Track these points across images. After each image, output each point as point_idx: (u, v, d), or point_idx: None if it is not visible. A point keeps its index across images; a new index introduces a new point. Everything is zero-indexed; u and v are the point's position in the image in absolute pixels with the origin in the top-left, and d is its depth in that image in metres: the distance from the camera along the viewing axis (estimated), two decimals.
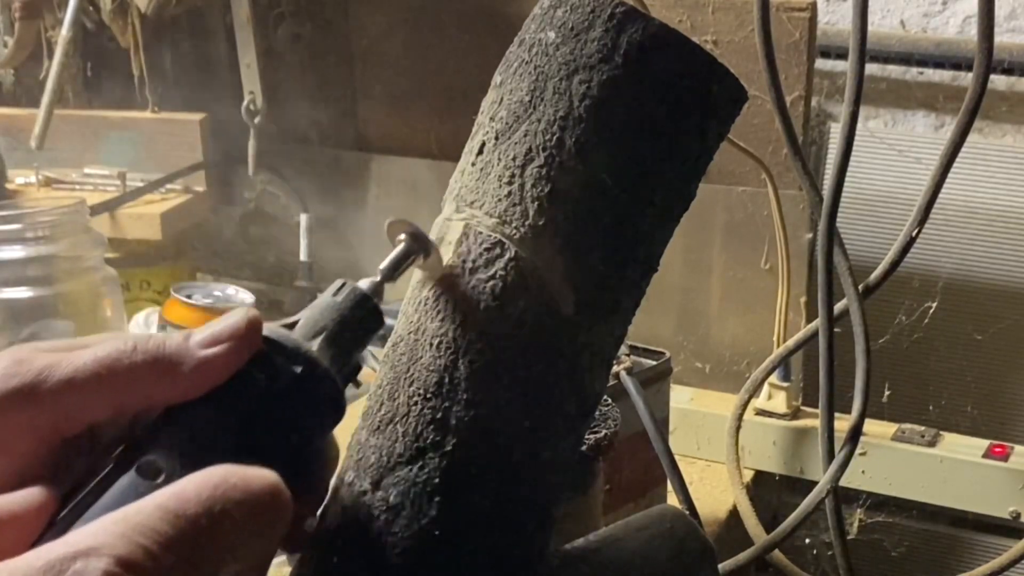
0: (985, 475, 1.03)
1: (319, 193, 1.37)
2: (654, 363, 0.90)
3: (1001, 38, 1.02)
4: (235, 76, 1.32)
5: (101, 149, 1.35)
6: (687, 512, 0.70)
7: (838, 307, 0.88)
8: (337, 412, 0.36)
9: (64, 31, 1.26)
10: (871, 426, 1.00)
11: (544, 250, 0.40)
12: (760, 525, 0.96)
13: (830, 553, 1.14)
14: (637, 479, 0.88)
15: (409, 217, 0.39)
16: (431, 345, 0.40)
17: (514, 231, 0.40)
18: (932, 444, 1.06)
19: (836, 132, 1.02)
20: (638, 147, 0.41)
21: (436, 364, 0.40)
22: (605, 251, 0.41)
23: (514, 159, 0.41)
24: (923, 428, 1.07)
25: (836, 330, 0.87)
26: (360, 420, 0.41)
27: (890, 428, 1.08)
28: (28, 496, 0.32)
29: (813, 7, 1.06)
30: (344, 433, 0.39)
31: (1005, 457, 1.03)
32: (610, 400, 0.70)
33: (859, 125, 0.82)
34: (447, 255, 0.41)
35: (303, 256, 1.32)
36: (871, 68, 1.17)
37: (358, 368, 0.38)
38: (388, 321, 0.39)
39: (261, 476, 0.31)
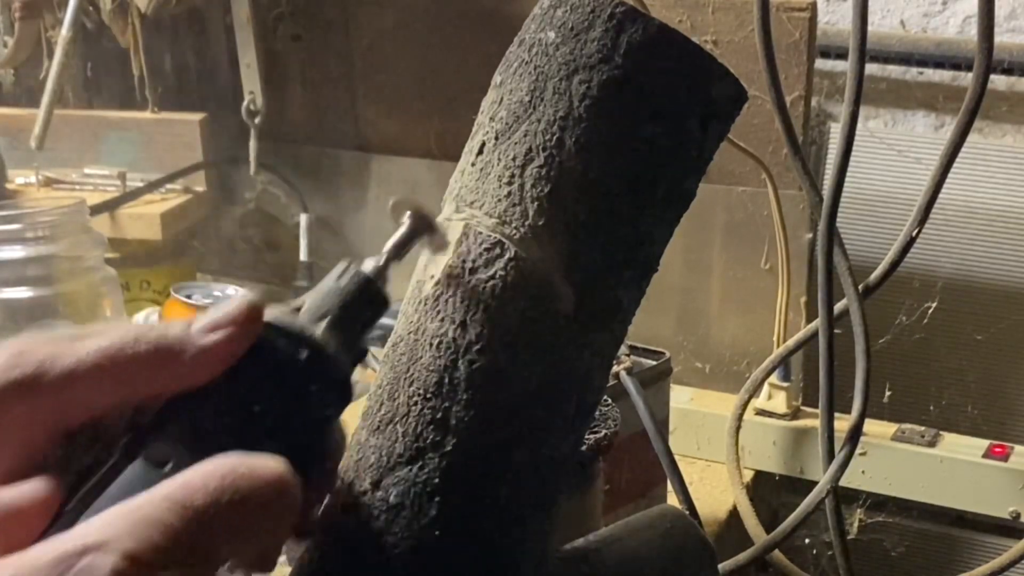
0: (985, 475, 1.03)
1: (319, 193, 1.37)
2: (654, 363, 0.90)
3: (1001, 38, 1.02)
4: (235, 76, 1.32)
5: (101, 149, 1.35)
6: (687, 512, 0.70)
7: (838, 307, 0.88)
8: (344, 396, 0.36)
9: (64, 31, 1.26)
10: (871, 426, 1.00)
11: (544, 250, 0.40)
12: (760, 525, 0.96)
13: (830, 553, 1.14)
14: (637, 479, 0.88)
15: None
16: (431, 345, 0.40)
17: (514, 231, 0.40)
18: (932, 444, 1.06)
19: (836, 132, 1.02)
20: (638, 147, 0.41)
21: (436, 364, 0.40)
22: (605, 251, 0.41)
23: (514, 159, 0.41)
24: (923, 428, 1.07)
25: (836, 330, 0.87)
26: (360, 420, 0.41)
27: (890, 428, 1.08)
28: (33, 488, 0.32)
29: (813, 7, 1.06)
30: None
31: (1005, 457, 1.03)
32: (610, 400, 0.70)
33: (859, 125, 0.82)
34: (447, 255, 0.41)
35: (303, 256, 1.32)
36: (871, 68, 1.17)
37: (364, 352, 0.37)
38: (387, 321, 0.39)
39: (269, 465, 0.31)
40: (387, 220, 0.39)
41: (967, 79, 0.81)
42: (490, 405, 0.39)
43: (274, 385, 0.34)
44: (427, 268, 0.41)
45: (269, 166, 1.36)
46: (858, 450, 0.95)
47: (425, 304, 0.41)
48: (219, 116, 1.39)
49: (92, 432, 0.34)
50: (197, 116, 1.34)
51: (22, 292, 1.00)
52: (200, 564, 0.30)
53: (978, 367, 1.21)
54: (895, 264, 0.88)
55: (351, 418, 0.39)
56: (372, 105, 1.34)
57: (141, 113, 1.34)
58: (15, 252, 0.99)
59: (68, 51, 1.27)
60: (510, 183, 0.41)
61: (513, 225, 0.40)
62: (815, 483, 0.88)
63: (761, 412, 1.09)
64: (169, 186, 1.30)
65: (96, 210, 1.18)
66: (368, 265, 0.37)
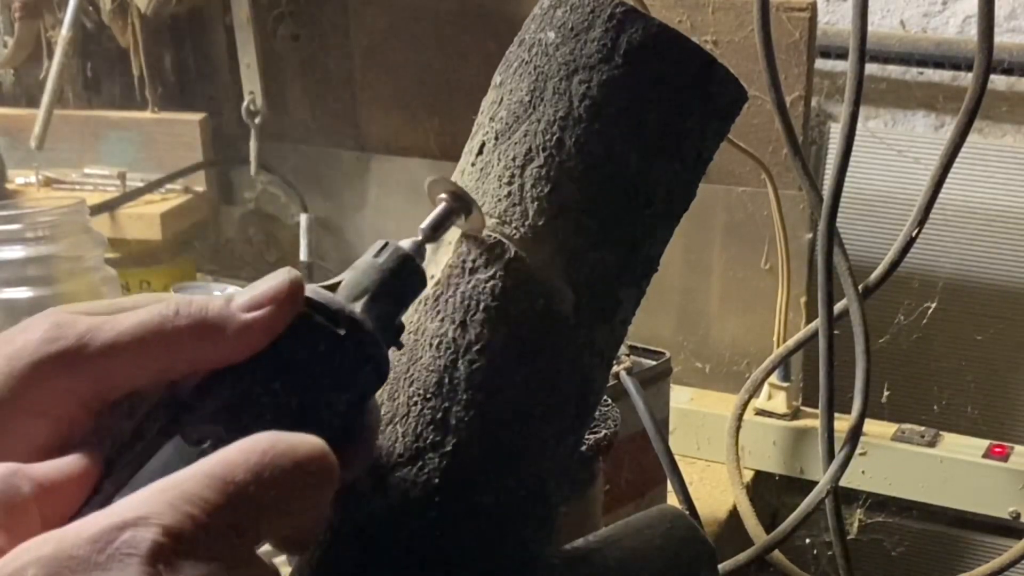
0: (985, 475, 1.03)
1: (319, 193, 1.37)
2: (654, 363, 0.90)
3: (1001, 38, 1.02)
4: (235, 76, 1.32)
5: (101, 149, 1.35)
6: (687, 512, 0.70)
7: (838, 307, 0.88)
8: (381, 373, 0.36)
9: (64, 31, 1.26)
10: (871, 426, 1.00)
11: (544, 250, 0.40)
12: (760, 525, 0.96)
13: (830, 553, 1.14)
14: (637, 479, 0.88)
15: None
16: (431, 345, 0.40)
17: (514, 231, 0.40)
18: (932, 444, 1.06)
19: (836, 132, 1.02)
20: (638, 147, 0.41)
21: (436, 364, 0.40)
22: (605, 251, 0.41)
23: (514, 159, 0.41)
24: (923, 428, 1.07)
25: (836, 330, 0.87)
26: None
27: (890, 428, 1.08)
28: (71, 463, 0.32)
29: (813, 7, 1.06)
30: None
31: (1005, 457, 1.03)
32: (610, 400, 0.70)
33: (859, 125, 0.82)
34: (447, 255, 0.41)
35: (303, 256, 1.32)
36: (871, 68, 1.17)
37: (401, 329, 0.37)
38: None
39: (308, 442, 0.31)
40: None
41: (967, 79, 0.81)
42: (490, 405, 0.39)
43: (313, 362, 0.34)
44: (427, 268, 0.41)
45: (269, 166, 1.36)
46: (858, 450, 0.95)
47: (425, 304, 0.41)
48: (219, 116, 1.39)
49: (129, 405, 0.34)
50: (197, 116, 1.34)
51: (22, 292, 1.00)
52: (239, 540, 0.29)
53: (978, 367, 1.21)
54: (895, 264, 0.88)
55: None
56: (372, 105, 1.34)
57: (141, 113, 1.34)
58: (15, 252, 0.99)
59: (68, 51, 1.27)
60: (510, 183, 0.41)
61: (513, 225, 0.40)
62: (815, 483, 0.88)
63: (761, 412, 1.09)
64: (169, 186, 1.30)
65: (96, 210, 1.18)
66: (406, 243, 0.37)
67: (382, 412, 0.40)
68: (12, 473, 0.31)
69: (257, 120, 1.31)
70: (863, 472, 1.07)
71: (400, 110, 1.32)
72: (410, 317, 0.41)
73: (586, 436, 0.62)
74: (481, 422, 0.39)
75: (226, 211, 1.44)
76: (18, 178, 1.31)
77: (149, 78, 1.33)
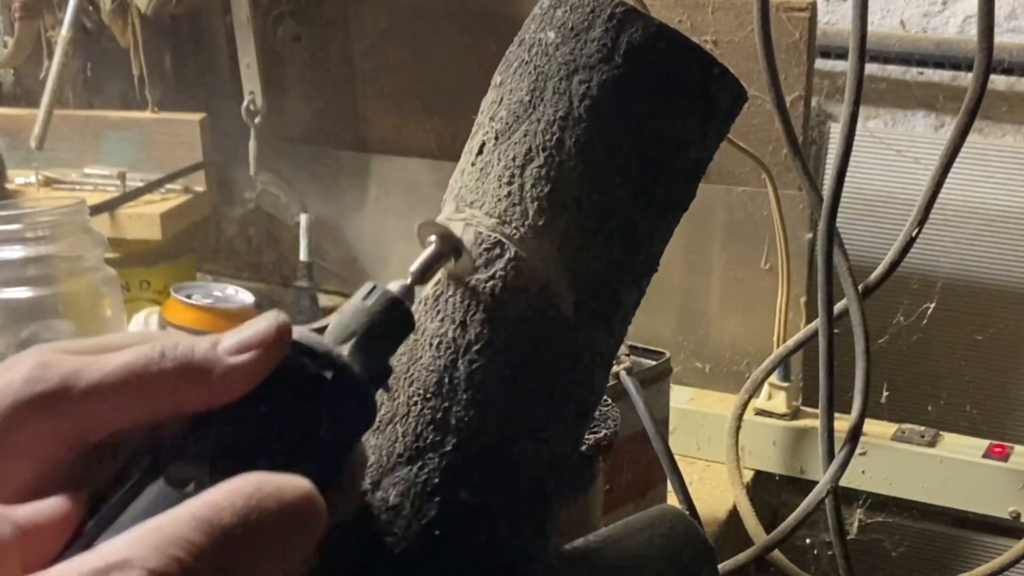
0: (985, 475, 1.03)
1: (319, 193, 1.37)
2: (654, 363, 0.90)
3: (1001, 38, 1.02)
4: (235, 76, 1.32)
5: (101, 149, 1.35)
6: (687, 512, 0.70)
7: (838, 307, 0.88)
8: (368, 417, 0.35)
9: (64, 31, 1.26)
10: (871, 426, 1.00)
11: (544, 250, 0.40)
12: (760, 525, 0.96)
13: (830, 553, 1.14)
14: (637, 479, 0.88)
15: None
16: (431, 345, 0.40)
17: (514, 231, 0.40)
18: (932, 444, 1.06)
19: (836, 132, 1.02)
20: (638, 147, 0.41)
21: (436, 364, 0.40)
22: (605, 251, 0.41)
23: (514, 159, 0.41)
24: (923, 428, 1.07)
25: (836, 330, 0.87)
26: None
27: (890, 428, 1.08)
28: (52, 506, 0.32)
29: (813, 7, 1.06)
30: None
31: (1005, 457, 1.03)
32: (610, 400, 0.70)
33: (859, 125, 0.82)
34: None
35: (303, 256, 1.32)
36: (871, 68, 1.17)
37: (389, 372, 0.37)
38: None
39: (295, 484, 0.31)
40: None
41: (967, 79, 0.81)
42: (490, 405, 0.39)
43: (299, 406, 0.34)
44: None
45: (269, 166, 1.36)
46: (858, 450, 0.95)
47: (425, 304, 0.41)
48: (219, 116, 1.39)
49: (112, 447, 0.34)
50: (197, 116, 1.34)
51: (22, 292, 1.00)
52: None
53: (977, 367, 1.21)
54: (895, 264, 0.88)
55: None
56: (372, 105, 1.34)
57: (141, 113, 1.34)
58: (15, 252, 0.99)
59: (68, 51, 1.27)
60: (510, 183, 0.41)
61: (513, 225, 0.40)
62: (815, 483, 0.88)
63: (761, 412, 1.09)
64: (169, 186, 1.30)
65: (96, 210, 1.18)
66: (394, 286, 0.37)
67: (382, 412, 0.40)
68: None
69: (257, 120, 1.31)
70: (863, 472, 1.07)
71: (400, 110, 1.32)
72: None
73: (586, 436, 0.62)
74: (481, 422, 0.39)
75: (226, 211, 1.44)
76: (18, 178, 1.31)
77: (149, 78, 1.33)
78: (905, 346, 1.21)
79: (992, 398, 1.21)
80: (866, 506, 1.19)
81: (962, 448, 1.05)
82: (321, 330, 0.36)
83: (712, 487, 1.07)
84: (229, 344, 0.33)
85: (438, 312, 0.40)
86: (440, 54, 1.26)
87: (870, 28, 0.80)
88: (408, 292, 0.37)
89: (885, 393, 1.21)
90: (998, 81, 1.15)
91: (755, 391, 1.03)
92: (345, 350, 0.35)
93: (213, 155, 1.35)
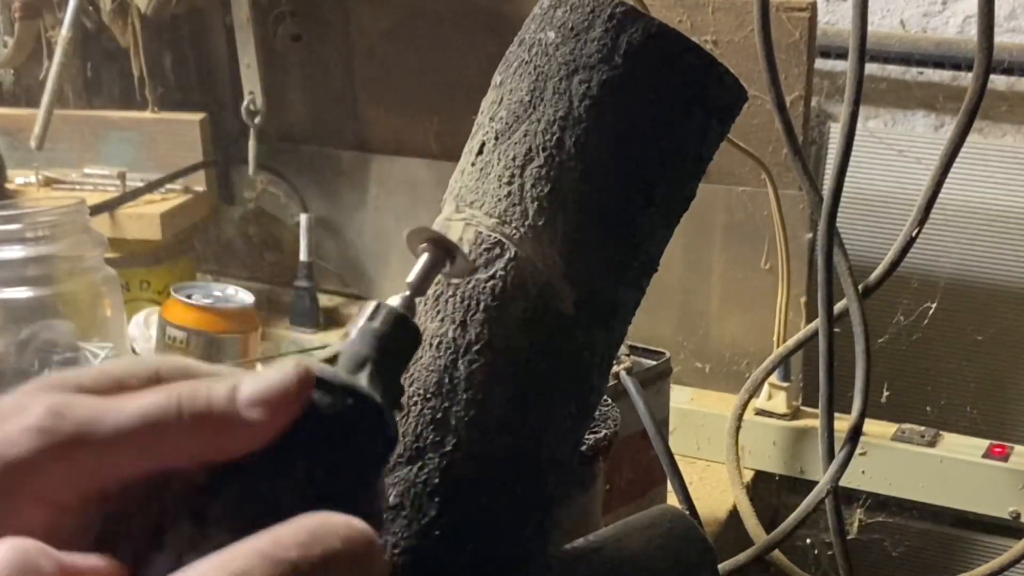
0: (985, 475, 1.03)
1: (319, 193, 1.37)
2: (654, 363, 0.90)
3: (1001, 38, 1.02)
4: (235, 76, 1.32)
5: (101, 149, 1.35)
6: (687, 512, 0.70)
7: (838, 307, 0.88)
8: (391, 442, 0.35)
9: (64, 31, 1.26)
10: (871, 426, 1.00)
11: (544, 250, 0.40)
12: (760, 525, 0.96)
13: (830, 553, 1.14)
14: (637, 479, 0.88)
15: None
16: (431, 345, 0.40)
17: (514, 231, 0.40)
18: (932, 444, 1.06)
19: (836, 132, 1.02)
20: (638, 147, 0.41)
21: (436, 364, 0.40)
22: (605, 251, 0.41)
23: (514, 159, 0.41)
24: (923, 428, 1.07)
25: (836, 330, 0.87)
26: None
27: (890, 428, 1.08)
28: (95, 558, 0.32)
29: (813, 7, 1.06)
30: None
31: (1005, 457, 1.03)
32: (610, 400, 0.70)
33: (859, 125, 0.82)
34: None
35: (303, 256, 1.32)
36: (871, 68, 1.17)
37: (402, 392, 0.36)
38: None
39: (353, 521, 0.31)
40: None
41: (967, 79, 0.81)
42: (490, 405, 0.39)
43: (325, 444, 0.33)
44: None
45: (269, 166, 1.36)
46: (858, 450, 0.95)
47: (425, 304, 0.41)
48: (219, 116, 1.39)
49: (122, 494, 0.33)
50: (197, 116, 1.34)
51: (22, 292, 1.00)
52: None
53: (978, 367, 1.21)
54: (895, 264, 0.88)
55: None
56: (372, 105, 1.34)
57: (141, 113, 1.34)
58: (15, 252, 0.99)
59: (68, 51, 1.27)
60: (510, 183, 0.41)
61: (513, 225, 0.40)
62: (815, 483, 0.88)
63: (761, 412, 1.09)
64: (169, 186, 1.30)
65: (96, 210, 1.18)
66: (395, 301, 0.36)
67: None
68: (37, 550, 0.30)
69: (257, 120, 1.31)
70: (863, 472, 1.07)
71: (400, 110, 1.32)
72: None
73: (586, 436, 0.62)
74: (481, 422, 0.39)
75: (226, 211, 1.44)
76: (18, 178, 1.31)
77: (149, 78, 1.33)
78: (905, 346, 1.21)
79: (992, 398, 1.21)
80: (866, 506, 1.19)
81: (962, 448, 1.05)
82: (333, 359, 0.35)
83: (712, 487, 1.07)
84: (249, 395, 0.33)
85: (438, 312, 0.40)
86: (440, 54, 1.26)
87: (870, 28, 0.80)
88: (410, 305, 0.37)
89: (885, 393, 1.21)
90: (998, 81, 1.15)
91: (755, 391, 1.03)
92: (363, 379, 0.35)
93: (213, 155, 1.35)
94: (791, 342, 0.98)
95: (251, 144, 1.31)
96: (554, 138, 0.40)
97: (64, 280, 1.01)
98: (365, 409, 0.34)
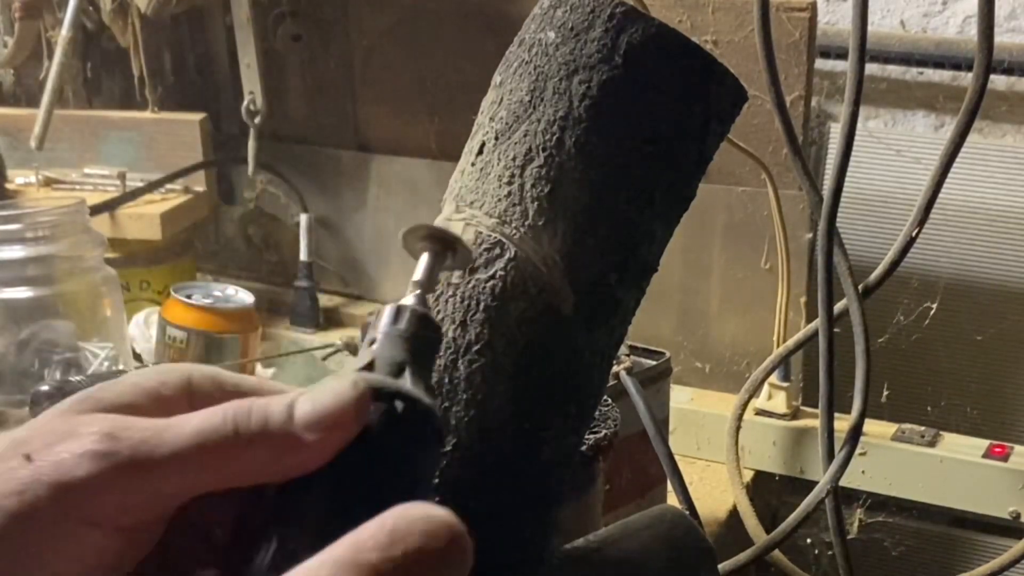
0: (985, 475, 1.03)
1: (319, 193, 1.37)
2: (654, 363, 0.90)
3: (1001, 38, 1.02)
4: (235, 76, 1.32)
5: (101, 149, 1.35)
6: (687, 512, 0.70)
7: (838, 307, 0.88)
8: (442, 440, 0.36)
9: (64, 31, 1.26)
10: (871, 426, 1.00)
11: (544, 250, 0.40)
12: (760, 525, 0.96)
13: (830, 553, 1.14)
14: (637, 479, 0.88)
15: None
16: None
17: (514, 231, 0.40)
18: (932, 444, 1.06)
19: (836, 132, 1.02)
20: (638, 147, 0.41)
21: (436, 364, 0.40)
22: (605, 251, 0.41)
23: (514, 159, 0.41)
24: (923, 428, 1.07)
25: (836, 330, 0.87)
26: None
27: (890, 428, 1.08)
28: None
29: (813, 7, 1.06)
30: None
31: (1005, 457, 1.03)
32: (610, 400, 0.70)
33: (859, 125, 0.82)
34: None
35: (303, 256, 1.32)
36: (871, 68, 1.17)
37: (435, 391, 0.37)
38: None
39: (434, 512, 0.30)
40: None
41: (967, 79, 0.81)
42: (490, 405, 0.39)
43: (388, 451, 0.33)
44: None
45: (269, 166, 1.36)
46: (858, 450, 0.95)
47: None
48: (219, 116, 1.39)
49: (182, 517, 0.33)
50: (197, 116, 1.34)
51: (22, 292, 1.00)
52: None
53: (978, 367, 1.21)
54: (895, 264, 0.88)
55: None
56: (372, 105, 1.34)
57: (141, 113, 1.34)
58: (15, 252, 1.00)
59: (68, 51, 1.27)
60: (510, 183, 0.41)
61: (513, 225, 0.40)
62: (815, 483, 0.88)
63: (761, 412, 1.09)
64: (169, 186, 1.31)
65: (96, 210, 1.18)
66: (410, 301, 0.36)
67: None
68: None
69: (257, 120, 1.31)
70: (863, 472, 1.07)
71: (400, 110, 1.32)
72: None
73: (586, 436, 0.62)
74: (481, 422, 0.39)
75: (226, 211, 1.44)
76: (18, 178, 1.31)
77: (149, 78, 1.33)
78: (905, 346, 1.21)
79: (992, 398, 1.21)
80: (866, 506, 1.19)
81: (962, 448, 1.05)
82: (370, 366, 0.35)
83: (712, 487, 1.07)
84: (306, 418, 0.32)
85: (438, 312, 0.40)
86: (440, 54, 1.26)
87: (870, 28, 0.80)
88: (424, 303, 0.37)
89: (885, 393, 1.21)
90: (998, 81, 1.15)
91: (755, 391, 1.03)
92: (407, 383, 0.34)
93: (213, 155, 1.35)
94: (791, 342, 0.98)
95: (251, 144, 1.31)
96: (554, 138, 0.40)
97: (64, 280, 1.02)
98: (418, 413, 0.34)
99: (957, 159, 0.84)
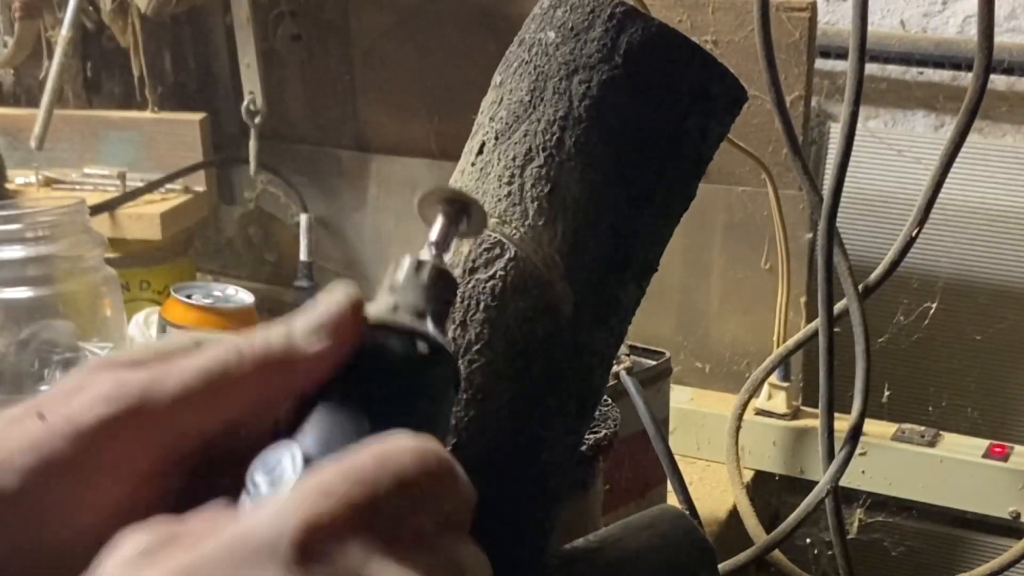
0: (985, 475, 1.03)
1: (319, 193, 1.37)
2: (654, 363, 0.90)
3: (1001, 38, 1.02)
4: (235, 76, 1.32)
5: (101, 149, 1.35)
6: (687, 512, 0.70)
7: (838, 307, 0.88)
8: (458, 383, 0.36)
9: (64, 31, 1.26)
10: (871, 426, 1.00)
11: (544, 250, 0.40)
12: (760, 525, 0.96)
13: (830, 553, 1.14)
14: (637, 479, 0.88)
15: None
16: None
17: (514, 231, 0.40)
18: (932, 444, 1.06)
19: (836, 132, 1.02)
20: (638, 147, 0.41)
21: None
22: (605, 251, 0.41)
23: (514, 159, 0.41)
24: (923, 428, 1.07)
25: (836, 330, 0.87)
26: None
27: (890, 428, 1.08)
28: None
29: (813, 7, 1.06)
30: None
31: (1005, 457, 1.03)
32: (610, 400, 0.70)
33: (859, 125, 0.82)
34: (447, 255, 0.41)
35: (303, 256, 1.32)
36: (871, 68, 1.17)
37: (450, 342, 0.37)
38: None
39: (424, 440, 0.31)
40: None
41: (967, 79, 0.81)
42: (490, 405, 0.39)
43: (412, 392, 0.34)
44: None
45: (269, 166, 1.36)
46: (858, 450, 0.95)
47: None
48: (219, 116, 1.39)
49: (200, 457, 0.33)
50: (197, 116, 1.34)
51: (22, 292, 1.00)
52: (382, 533, 0.29)
53: (978, 367, 1.21)
54: (895, 264, 0.88)
55: None
56: (372, 105, 1.34)
57: (141, 113, 1.34)
58: (15, 252, 0.99)
59: (68, 51, 1.27)
60: (510, 183, 0.41)
61: (513, 225, 0.40)
62: (815, 483, 0.88)
63: (761, 412, 1.09)
64: (169, 186, 1.30)
65: (96, 210, 1.18)
66: (427, 256, 0.37)
67: None
68: None
69: (257, 120, 1.31)
70: (863, 472, 1.07)
71: (400, 110, 1.32)
72: None
73: (586, 436, 0.62)
74: (481, 422, 0.39)
75: (226, 211, 1.44)
76: (18, 178, 1.31)
77: (149, 78, 1.33)
78: (905, 346, 1.21)
79: (992, 398, 1.21)
80: (866, 506, 1.19)
81: (962, 448, 1.05)
82: (394, 309, 0.36)
83: (712, 487, 1.07)
84: (304, 327, 0.33)
85: None
86: (440, 54, 1.26)
87: (870, 28, 0.80)
88: (441, 259, 0.37)
89: (885, 393, 1.21)
90: (998, 81, 1.15)
91: (755, 391, 1.03)
92: (429, 326, 0.35)
93: (213, 155, 1.35)
94: (791, 342, 0.98)
95: (251, 144, 1.31)
96: (554, 138, 0.40)
97: (64, 280, 1.01)
98: (441, 355, 0.35)
99: (957, 159, 0.84)
